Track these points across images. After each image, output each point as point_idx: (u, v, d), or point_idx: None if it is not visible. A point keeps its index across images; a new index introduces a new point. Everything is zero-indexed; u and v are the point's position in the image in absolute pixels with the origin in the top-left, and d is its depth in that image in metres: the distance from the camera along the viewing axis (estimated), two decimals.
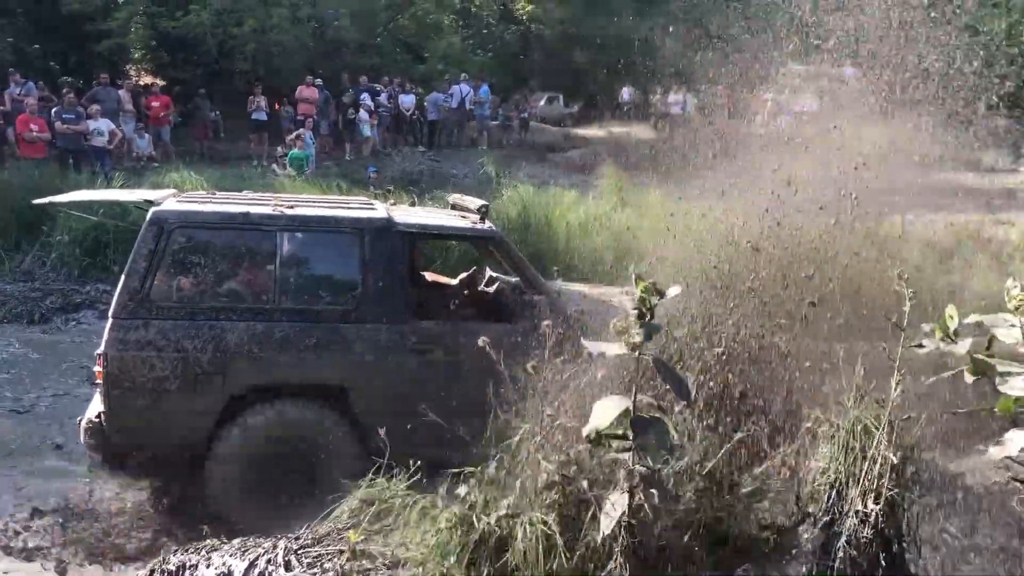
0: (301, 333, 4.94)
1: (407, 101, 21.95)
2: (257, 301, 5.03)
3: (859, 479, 3.14)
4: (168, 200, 5.32)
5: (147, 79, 24.07)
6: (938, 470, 3.91)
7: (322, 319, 5.01)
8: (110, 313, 4.87)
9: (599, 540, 3.03)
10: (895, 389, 3.08)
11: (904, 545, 3.16)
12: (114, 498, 5.51)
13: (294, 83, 20.22)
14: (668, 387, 3.12)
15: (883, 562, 3.08)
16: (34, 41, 21.78)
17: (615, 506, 2.99)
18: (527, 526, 3.15)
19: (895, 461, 3.05)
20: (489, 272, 6.72)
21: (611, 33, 30.67)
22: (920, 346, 2.95)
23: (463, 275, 6.94)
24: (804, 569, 3.23)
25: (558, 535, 3.11)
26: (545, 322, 3.51)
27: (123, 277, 4.91)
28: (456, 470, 3.49)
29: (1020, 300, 2.41)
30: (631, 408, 2.96)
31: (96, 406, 5.02)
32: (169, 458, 5.12)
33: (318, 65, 22.22)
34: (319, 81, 20.41)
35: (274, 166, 15.75)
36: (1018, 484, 2.67)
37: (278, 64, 21.70)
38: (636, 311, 2.96)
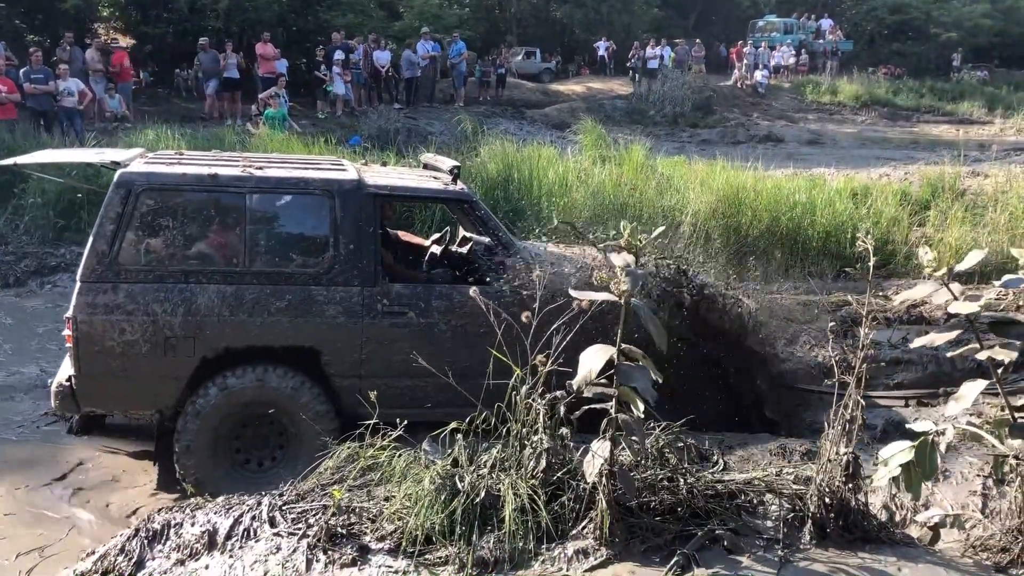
0: (272, 296, 4.90)
1: (382, 58, 21.59)
2: (227, 264, 4.96)
3: (831, 424, 3.18)
4: (135, 161, 5.21)
5: (118, 37, 23.52)
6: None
7: (293, 281, 4.96)
8: (78, 276, 4.80)
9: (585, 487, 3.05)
10: (864, 336, 3.10)
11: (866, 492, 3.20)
12: (89, 462, 5.49)
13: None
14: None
15: (856, 505, 3.13)
16: None
17: (598, 454, 3.03)
18: (511, 480, 3.17)
19: (863, 403, 3.08)
20: (462, 232, 6.67)
21: None
22: (887, 297, 2.97)
23: (435, 235, 6.88)
24: (780, 513, 3.27)
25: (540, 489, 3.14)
26: (536, 272, 3.50)
27: (90, 240, 4.82)
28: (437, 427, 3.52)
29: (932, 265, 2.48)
30: (615, 357, 2.97)
31: (66, 370, 4.97)
32: (140, 421, 5.11)
33: (291, 22, 21.75)
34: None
35: (248, 125, 15.48)
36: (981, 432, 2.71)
37: (250, 20, 21.22)
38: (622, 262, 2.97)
